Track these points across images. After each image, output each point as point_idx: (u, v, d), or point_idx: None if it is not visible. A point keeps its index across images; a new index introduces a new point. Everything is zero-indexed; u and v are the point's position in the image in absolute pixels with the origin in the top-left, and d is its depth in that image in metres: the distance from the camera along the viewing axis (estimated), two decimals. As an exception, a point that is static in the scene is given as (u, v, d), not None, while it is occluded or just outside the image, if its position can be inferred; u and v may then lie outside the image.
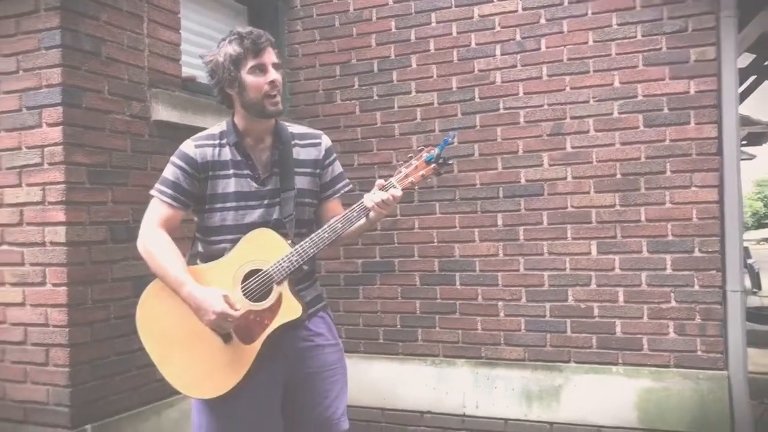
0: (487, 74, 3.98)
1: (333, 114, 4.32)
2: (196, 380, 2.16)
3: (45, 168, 2.93)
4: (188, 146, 2.23)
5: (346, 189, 2.38)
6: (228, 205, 2.20)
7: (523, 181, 3.90)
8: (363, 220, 2.17)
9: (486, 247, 3.98)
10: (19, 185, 2.99)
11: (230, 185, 2.21)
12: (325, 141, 2.36)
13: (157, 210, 2.23)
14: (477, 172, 3.98)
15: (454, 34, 4.05)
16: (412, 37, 4.15)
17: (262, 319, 2.11)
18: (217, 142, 2.24)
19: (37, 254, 2.95)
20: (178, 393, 3.33)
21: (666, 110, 3.62)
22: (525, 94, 3.90)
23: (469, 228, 4.01)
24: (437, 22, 4.09)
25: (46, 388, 2.93)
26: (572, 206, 3.80)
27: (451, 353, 4.05)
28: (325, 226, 2.13)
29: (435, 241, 4.10)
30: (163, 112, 3.34)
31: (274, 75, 2.17)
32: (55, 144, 2.91)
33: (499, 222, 3.95)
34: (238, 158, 2.22)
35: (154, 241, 2.20)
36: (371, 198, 2.10)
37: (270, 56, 2.18)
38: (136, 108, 3.25)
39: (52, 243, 2.92)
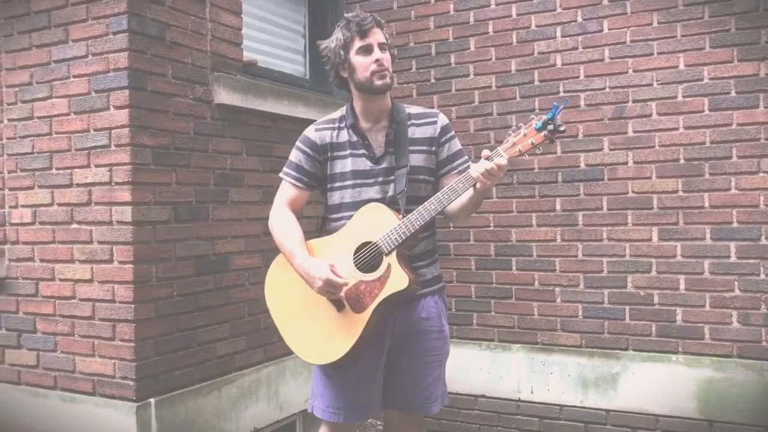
0: (547, 57, 3.92)
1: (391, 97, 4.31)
2: (312, 347, 2.30)
3: (112, 149, 3.03)
4: (310, 131, 2.42)
5: (464, 166, 2.39)
6: (346, 183, 2.35)
7: (582, 165, 3.84)
8: (471, 192, 2.19)
9: (544, 232, 3.94)
10: (88, 166, 3.09)
11: (347, 165, 2.35)
12: (442, 119, 2.43)
13: (284, 190, 2.43)
14: (535, 156, 3.92)
15: (514, 15, 4.00)
16: (471, 19, 4.12)
17: (372, 290, 2.21)
18: (336, 125, 2.39)
19: (105, 233, 3.05)
20: (238, 370, 3.46)
21: (733, 93, 3.51)
22: (586, 77, 3.83)
23: (527, 212, 3.98)
24: (496, 4, 4.04)
25: (112, 362, 3.04)
26: (633, 191, 3.72)
27: (506, 338, 4.03)
28: (432, 198, 2.20)
29: (491, 225, 4.08)
30: (224, 96, 3.40)
31: (378, 54, 2.28)
32: (122, 126, 3.00)
33: (558, 207, 3.90)
34: (355, 139, 2.36)
35: (278, 218, 2.40)
36: (476, 168, 2.13)
37: (376, 36, 2.29)
38: (198, 91, 3.32)
39: (119, 222, 3.02)
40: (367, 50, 2.28)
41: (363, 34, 2.28)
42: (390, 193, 2.31)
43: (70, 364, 3.16)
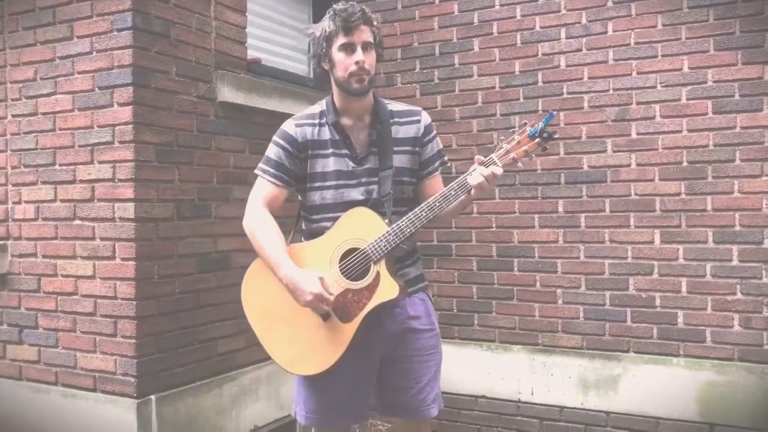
0: (551, 58, 3.92)
1: (393, 97, 4.30)
2: (298, 357, 2.20)
3: (115, 146, 3.03)
4: (289, 126, 2.28)
5: (444, 166, 2.36)
6: (327, 184, 2.24)
7: (585, 167, 3.84)
8: (462, 198, 2.14)
9: (546, 233, 3.94)
10: (91, 162, 3.10)
11: (329, 164, 2.24)
12: (425, 118, 2.33)
13: (262, 189, 2.29)
14: (538, 157, 3.93)
15: (518, 16, 4.00)
16: (475, 19, 4.12)
17: (360, 298, 2.13)
18: (317, 121, 2.27)
19: (108, 229, 3.06)
20: (238, 368, 3.46)
21: (737, 96, 3.50)
22: (590, 78, 3.82)
23: (529, 214, 3.97)
24: (501, 5, 4.04)
25: (114, 358, 3.05)
26: (636, 194, 3.72)
27: (507, 339, 4.03)
28: (423, 204, 2.12)
29: (493, 226, 4.07)
30: (228, 94, 3.40)
31: (360, 56, 2.15)
32: (125, 123, 3.00)
33: (560, 208, 3.90)
34: (337, 137, 2.24)
35: (257, 220, 2.26)
36: (471, 176, 2.07)
37: (362, 35, 2.15)
38: (202, 89, 3.32)
39: (122, 219, 3.02)
40: (349, 48, 2.15)
41: (348, 30, 2.13)
42: (374, 195, 2.21)
43: (71, 360, 3.17)
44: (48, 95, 3.21)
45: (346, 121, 2.26)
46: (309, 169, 2.26)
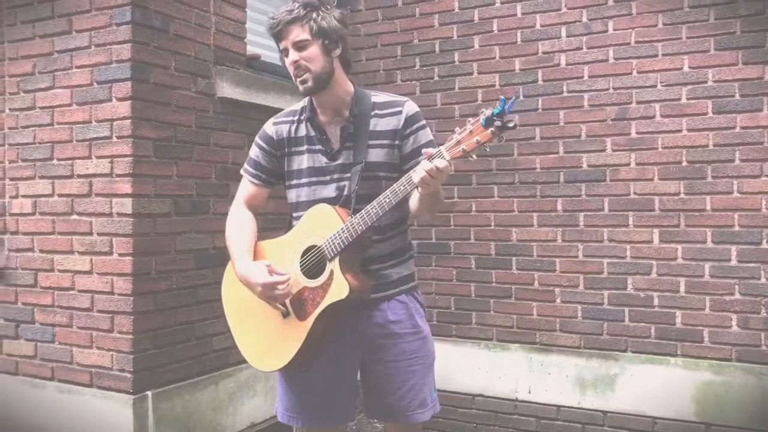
0: (551, 56, 3.91)
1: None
2: (261, 353, 2.21)
3: (113, 141, 3.02)
4: (268, 125, 2.30)
5: None
6: (302, 181, 2.22)
7: (585, 166, 3.83)
8: (416, 194, 2.01)
9: (544, 232, 3.93)
10: (89, 157, 3.09)
11: (304, 161, 2.22)
12: (408, 108, 2.22)
13: (243, 188, 2.33)
14: (537, 156, 3.93)
15: (519, 15, 3.99)
16: (476, 17, 4.11)
17: (315, 297, 2.09)
18: (296, 118, 2.26)
19: (105, 224, 3.05)
20: (235, 364, 3.46)
21: (737, 96, 3.50)
22: (590, 77, 3.81)
23: (528, 212, 3.97)
24: (501, 3, 4.03)
25: (110, 354, 3.04)
26: (635, 193, 3.71)
27: (505, 338, 4.02)
28: (374, 201, 2.01)
29: (492, 224, 4.07)
30: (227, 89, 3.39)
31: (292, 57, 2.12)
32: (124, 118, 2.99)
33: (559, 207, 3.90)
34: (312, 133, 2.22)
35: (232, 217, 2.30)
36: (415, 171, 1.92)
37: (291, 36, 2.11)
38: (201, 84, 3.31)
39: (119, 214, 3.01)
40: (285, 53, 2.14)
41: (277, 37, 2.13)
42: (345, 192, 2.14)
43: (67, 356, 3.16)
44: (46, 89, 3.19)
45: (322, 116, 2.22)
46: (286, 167, 2.26)
